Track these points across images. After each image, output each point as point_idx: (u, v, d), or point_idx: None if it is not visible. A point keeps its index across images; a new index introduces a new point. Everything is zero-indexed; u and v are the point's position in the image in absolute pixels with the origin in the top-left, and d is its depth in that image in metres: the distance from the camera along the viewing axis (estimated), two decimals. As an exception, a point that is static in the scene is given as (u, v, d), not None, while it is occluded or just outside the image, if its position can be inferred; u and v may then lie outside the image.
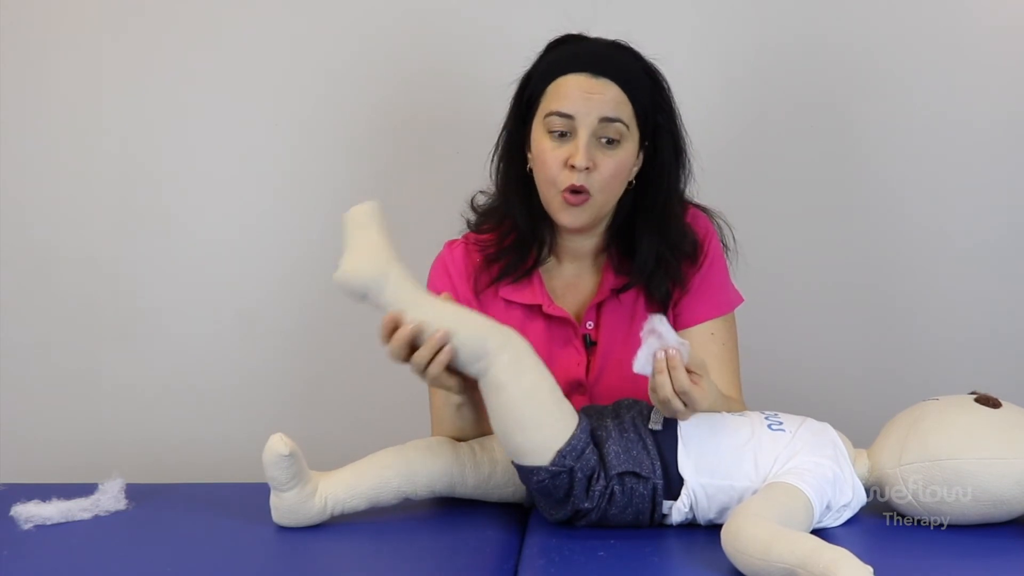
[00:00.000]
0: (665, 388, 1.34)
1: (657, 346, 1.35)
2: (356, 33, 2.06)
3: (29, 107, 2.09)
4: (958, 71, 2.05)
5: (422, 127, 2.08)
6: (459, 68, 2.05)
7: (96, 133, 2.09)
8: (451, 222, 1.69)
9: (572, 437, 1.38)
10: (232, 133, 2.09)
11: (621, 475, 1.40)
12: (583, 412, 1.46)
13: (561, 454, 1.38)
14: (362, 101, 2.08)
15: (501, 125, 1.64)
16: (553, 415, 1.39)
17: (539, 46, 1.62)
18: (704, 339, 1.61)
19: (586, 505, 1.41)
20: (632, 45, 1.59)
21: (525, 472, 1.41)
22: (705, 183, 1.67)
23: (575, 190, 1.53)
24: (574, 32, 1.62)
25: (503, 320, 1.59)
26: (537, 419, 1.38)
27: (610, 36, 1.60)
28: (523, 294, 1.63)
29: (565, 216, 1.56)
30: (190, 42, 2.07)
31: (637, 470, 1.40)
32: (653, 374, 1.36)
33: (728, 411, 1.50)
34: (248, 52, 2.07)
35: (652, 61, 1.60)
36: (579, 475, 1.39)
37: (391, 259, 1.41)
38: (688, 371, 1.36)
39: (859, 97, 2.06)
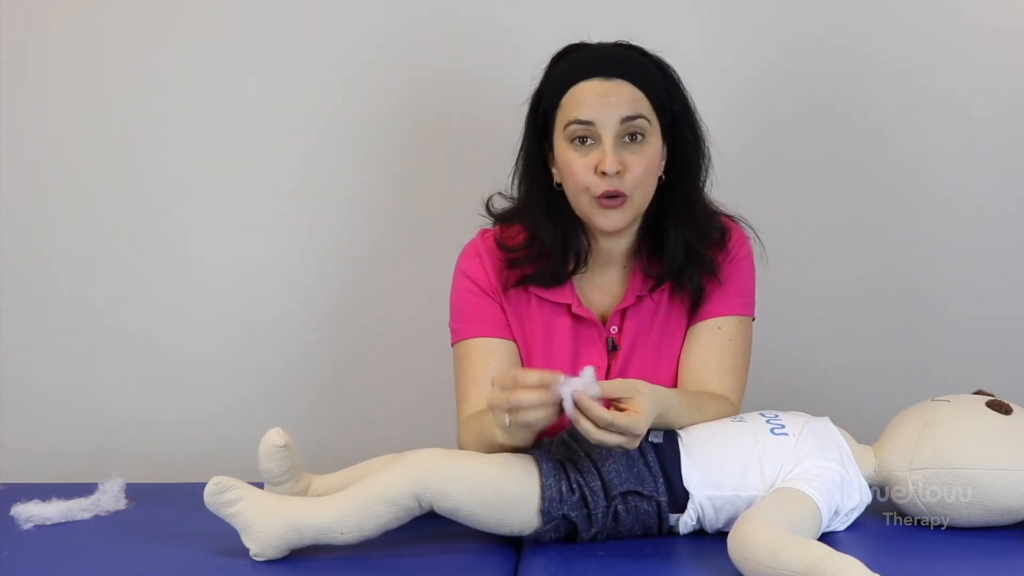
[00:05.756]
0: (591, 432, 1.32)
1: (568, 394, 1.31)
2: (365, 36, 2.05)
3: (29, 107, 2.08)
4: (976, 65, 2.02)
5: (429, 129, 2.07)
6: (469, 71, 2.05)
7: (97, 133, 2.08)
8: (464, 225, 1.70)
9: (543, 490, 1.37)
10: (235, 133, 2.08)
11: (624, 494, 1.40)
12: (547, 448, 1.45)
13: (545, 512, 1.37)
14: (368, 103, 2.06)
15: (518, 147, 1.62)
16: (511, 491, 1.37)
17: (548, 49, 1.61)
18: (710, 332, 1.60)
19: (594, 530, 1.40)
20: (636, 43, 1.58)
21: (532, 539, 1.41)
22: (714, 178, 1.65)
23: (610, 195, 1.51)
24: (575, 42, 1.60)
25: (531, 314, 1.62)
26: (501, 509, 1.37)
27: (611, 39, 1.59)
28: (553, 293, 1.61)
29: (604, 220, 1.53)
30: (194, 41, 2.06)
31: (639, 488, 1.40)
32: (577, 423, 1.32)
33: (698, 408, 1.48)
34: (252, 53, 2.06)
35: (659, 55, 1.59)
36: (574, 513, 1.39)
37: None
38: (617, 400, 1.34)
39: (872, 92, 2.03)
